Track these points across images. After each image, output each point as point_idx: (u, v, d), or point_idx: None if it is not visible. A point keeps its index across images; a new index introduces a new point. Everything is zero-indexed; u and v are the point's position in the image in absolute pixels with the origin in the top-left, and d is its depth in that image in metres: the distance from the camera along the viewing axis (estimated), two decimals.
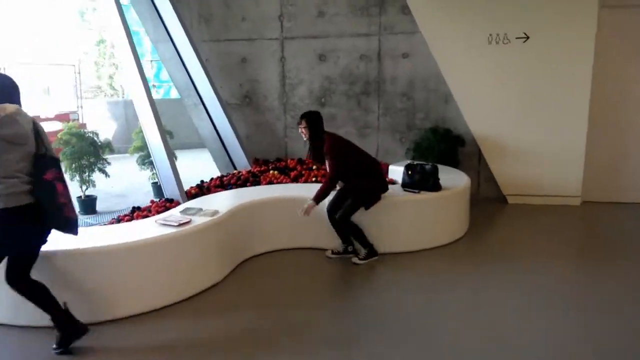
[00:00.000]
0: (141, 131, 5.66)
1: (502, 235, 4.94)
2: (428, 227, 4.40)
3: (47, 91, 12.09)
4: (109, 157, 6.06)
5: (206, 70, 6.09)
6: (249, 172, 5.65)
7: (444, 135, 5.69)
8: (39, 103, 11.13)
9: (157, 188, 6.43)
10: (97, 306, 3.12)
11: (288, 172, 5.61)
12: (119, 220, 4.43)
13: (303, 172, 5.59)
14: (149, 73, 13.25)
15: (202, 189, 5.10)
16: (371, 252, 4.11)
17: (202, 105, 6.30)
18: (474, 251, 4.42)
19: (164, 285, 3.35)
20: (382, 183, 4.22)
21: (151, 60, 13.41)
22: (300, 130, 4.06)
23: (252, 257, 4.21)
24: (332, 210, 4.10)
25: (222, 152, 6.38)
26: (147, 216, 4.38)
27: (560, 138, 5.57)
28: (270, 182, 5.27)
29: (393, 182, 5.16)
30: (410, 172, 4.43)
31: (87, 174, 5.72)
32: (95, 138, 5.89)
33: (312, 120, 4.03)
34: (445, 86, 5.81)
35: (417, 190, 4.34)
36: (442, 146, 5.57)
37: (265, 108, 6.57)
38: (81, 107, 11.78)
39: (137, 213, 4.54)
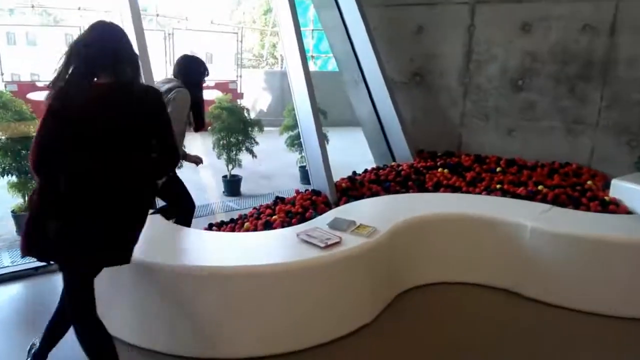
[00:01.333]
0: (293, 109, 5.10)
1: None
2: None
3: (210, 58, 12.42)
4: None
5: (372, 40, 5.22)
6: (410, 166, 4.82)
7: None
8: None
9: (305, 172, 5.96)
10: (202, 340, 2.46)
11: (462, 172, 4.63)
12: (259, 214, 3.97)
13: (483, 174, 4.53)
14: (309, 44, 12.96)
15: (354, 183, 4.47)
16: None
17: (362, 82, 5.49)
18: None
19: (296, 323, 2.54)
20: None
21: (312, 30, 13.05)
22: None
23: (412, 289, 3.24)
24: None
25: (381, 139, 5.52)
26: (289, 210, 3.94)
27: None
28: (438, 184, 4.38)
29: (617, 204, 3.69)
30: None
31: (234, 152, 5.32)
32: (246, 114, 5.43)
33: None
34: None
35: None
36: None
37: (440, 89, 5.42)
38: (240, 76, 11.86)
39: (280, 206, 4.10)
